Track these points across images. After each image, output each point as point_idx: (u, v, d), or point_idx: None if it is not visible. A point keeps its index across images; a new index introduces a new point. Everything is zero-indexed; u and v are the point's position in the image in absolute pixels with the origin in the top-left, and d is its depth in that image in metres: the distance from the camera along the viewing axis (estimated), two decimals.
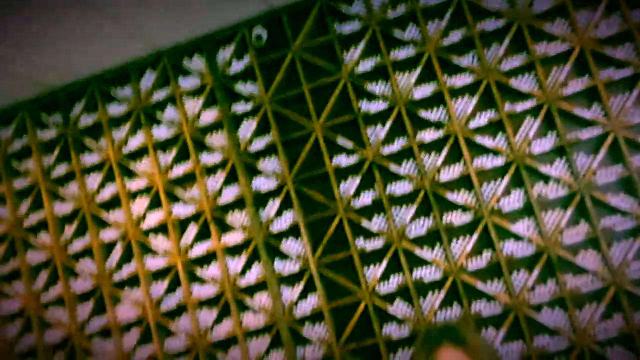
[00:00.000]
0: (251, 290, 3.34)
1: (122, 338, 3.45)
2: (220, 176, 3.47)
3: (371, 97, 3.34)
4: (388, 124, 3.28)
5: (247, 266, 3.36)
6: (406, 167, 3.23)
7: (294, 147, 3.41)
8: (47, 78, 3.55)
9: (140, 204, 3.55)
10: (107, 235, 3.53)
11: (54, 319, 3.53)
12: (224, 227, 3.44)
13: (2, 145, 3.71)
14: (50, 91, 3.66)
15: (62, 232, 3.63)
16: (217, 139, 3.50)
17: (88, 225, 3.56)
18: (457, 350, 1.76)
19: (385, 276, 3.18)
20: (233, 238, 3.40)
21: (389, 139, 3.28)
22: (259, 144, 3.43)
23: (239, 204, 3.42)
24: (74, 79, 3.63)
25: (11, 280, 3.64)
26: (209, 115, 3.51)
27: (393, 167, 3.24)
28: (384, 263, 3.17)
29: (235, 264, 3.38)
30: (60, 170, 3.64)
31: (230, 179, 3.45)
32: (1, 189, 3.68)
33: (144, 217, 3.52)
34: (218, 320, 3.37)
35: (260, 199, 3.40)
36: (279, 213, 3.36)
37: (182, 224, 3.49)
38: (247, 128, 3.47)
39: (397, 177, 3.25)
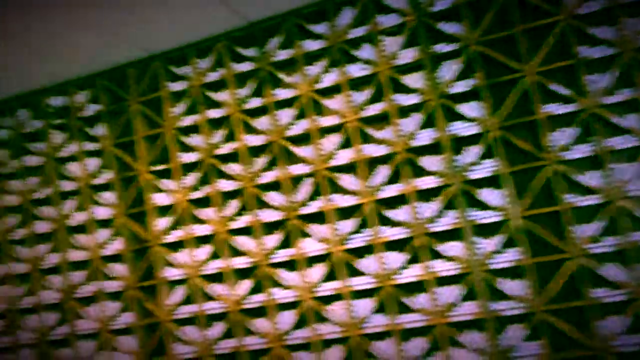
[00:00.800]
0: (443, 237, 2.91)
1: (306, 271, 3.28)
2: (416, 118, 3.08)
3: (594, 42, 2.79)
4: (613, 72, 2.73)
5: (440, 213, 3.01)
6: (630, 120, 2.72)
7: (499, 91, 2.94)
8: (245, 11, 3.27)
9: (330, 141, 3.28)
10: (296, 169, 3.28)
11: (242, 246, 3.28)
12: (417, 171, 3.03)
13: (199, 76, 3.54)
14: (248, 25, 3.40)
15: (252, 163, 3.45)
16: (414, 80, 3.11)
17: (278, 158, 3.36)
18: None
19: (598, 236, 2.68)
20: (426, 183, 3.06)
21: (611, 89, 2.75)
22: (460, 87, 3.00)
23: (434, 148, 3.01)
24: (271, 14, 3.35)
25: (203, 206, 3.54)
26: (408, 55, 3.04)
27: (615, 120, 2.72)
28: (599, 221, 2.62)
29: (427, 209, 3.05)
30: (254, 103, 3.36)
31: (427, 121, 3.08)
32: (196, 118, 3.54)
33: (333, 154, 3.26)
34: (406, 264, 3.09)
35: (459, 144, 3.00)
36: (478, 160, 2.97)
37: (372, 164, 3.20)
38: (449, 69, 3.02)
39: (619, 130, 2.72)
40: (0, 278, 3.81)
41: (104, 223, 3.62)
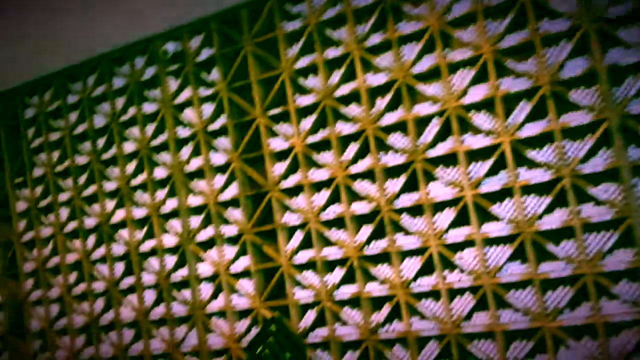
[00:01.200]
0: (596, 179, 2.52)
1: (433, 217, 3.03)
2: (565, 47, 2.64)
3: None
4: None
5: (592, 151, 2.55)
6: None
7: None
8: None
9: (462, 77, 2.89)
10: (423, 109, 2.94)
11: (363, 191, 3.02)
12: (564, 106, 2.60)
13: (315, 13, 3.14)
14: None
15: (373, 104, 3.21)
16: (563, 3, 2.71)
17: (402, 97, 3.05)
18: None
19: None
20: (575, 119, 2.67)
21: None
22: (620, 10, 2.55)
23: (586, 79, 2.58)
24: None
25: (320, 150, 3.34)
26: None
27: None
28: None
29: (577, 148, 2.57)
30: (375, 39, 2.98)
31: (578, 50, 2.60)
32: (314, 58, 3.23)
33: (465, 91, 2.93)
34: (549, 208, 2.71)
35: (616, 75, 2.51)
36: None
37: (510, 101, 2.83)
38: None
39: None
40: (121, 222, 3.85)
41: (220, 168, 3.53)
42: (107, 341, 3.83)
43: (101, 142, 3.88)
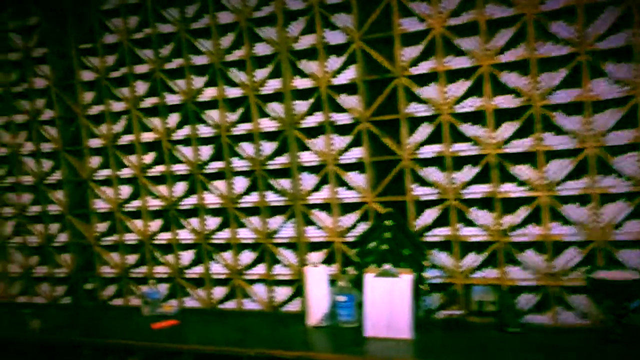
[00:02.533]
0: None
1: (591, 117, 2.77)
2: None
3: None
4: None
5: None
6: None
7: None
8: None
9: None
10: None
11: (511, 83, 2.71)
12: None
13: None
14: None
15: None
16: None
17: None
18: None
19: None
20: None
21: None
22: None
23: None
24: None
25: (465, 35, 2.89)
26: None
27: None
28: None
29: None
30: None
31: None
32: None
33: None
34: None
35: None
36: None
37: None
38: None
39: None
40: (211, 101, 3.46)
41: (336, 49, 3.14)
42: (188, 227, 3.57)
43: (191, 10, 3.41)
